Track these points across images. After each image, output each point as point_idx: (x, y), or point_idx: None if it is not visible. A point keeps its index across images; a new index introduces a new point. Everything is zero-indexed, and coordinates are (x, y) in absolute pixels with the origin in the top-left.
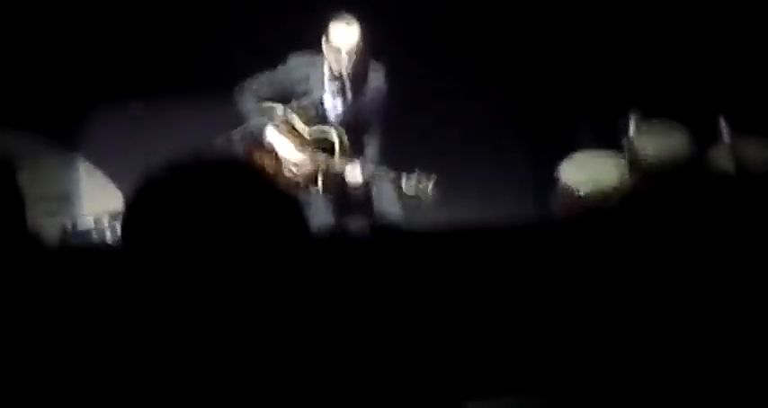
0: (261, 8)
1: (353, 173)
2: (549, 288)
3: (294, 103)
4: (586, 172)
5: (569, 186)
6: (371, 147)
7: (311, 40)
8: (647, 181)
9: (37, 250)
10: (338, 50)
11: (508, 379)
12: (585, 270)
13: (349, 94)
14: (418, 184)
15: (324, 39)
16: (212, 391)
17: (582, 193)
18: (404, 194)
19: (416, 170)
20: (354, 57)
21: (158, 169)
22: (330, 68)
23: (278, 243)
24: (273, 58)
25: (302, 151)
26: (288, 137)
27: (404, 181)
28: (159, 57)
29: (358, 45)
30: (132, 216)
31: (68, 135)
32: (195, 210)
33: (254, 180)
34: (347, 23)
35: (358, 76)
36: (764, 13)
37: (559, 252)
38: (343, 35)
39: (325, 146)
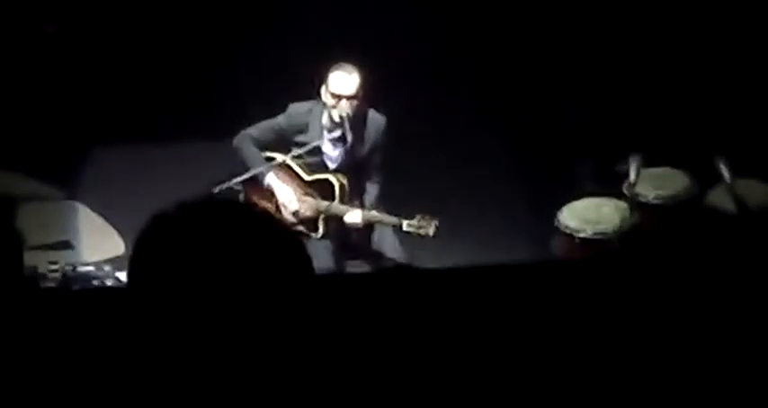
0: (262, 55)
1: (353, 216)
2: (550, 330)
3: (294, 151)
4: (586, 218)
5: (569, 231)
6: (371, 192)
7: (310, 89)
8: (648, 223)
9: (37, 296)
10: (338, 99)
11: None
12: (585, 312)
13: (349, 142)
14: (419, 227)
15: (324, 87)
16: None
17: (581, 237)
18: (405, 233)
19: (417, 215)
20: (354, 105)
21: (166, 210)
22: (330, 116)
23: (282, 287)
24: (273, 106)
25: (302, 197)
26: (288, 184)
27: (405, 224)
28: (158, 104)
29: (358, 93)
30: (137, 261)
31: (68, 181)
32: (199, 255)
33: (257, 224)
34: (347, 72)
35: (357, 124)
36: (763, 56)
37: (560, 294)
38: (344, 84)
39: (325, 192)
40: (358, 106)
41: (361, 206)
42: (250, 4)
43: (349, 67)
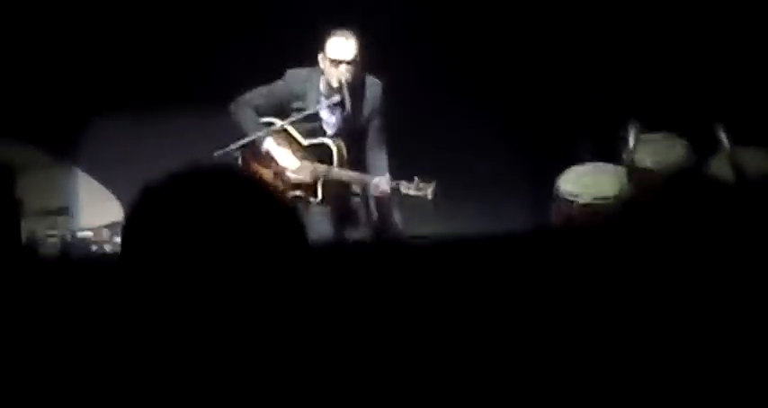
0: (258, 21)
1: (381, 184)
2: (548, 297)
3: (292, 116)
4: (585, 183)
5: (568, 196)
6: (381, 163)
7: (308, 54)
8: (647, 190)
9: (36, 262)
10: (336, 64)
11: (509, 390)
12: (584, 279)
13: (347, 108)
14: (418, 189)
15: (321, 53)
16: (211, 403)
17: (581, 203)
18: (403, 197)
19: (415, 178)
20: (352, 70)
21: (157, 181)
22: (327, 82)
23: (278, 254)
24: (271, 72)
25: (301, 161)
26: (286, 149)
27: (403, 186)
28: (156, 70)
29: (356, 59)
30: (132, 227)
31: (66, 147)
32: (195, 222)
33: (254, 191)
34: (345, 38)
35: (355, 90)
36: (762, 23)
37: (558, 260)
38: (342, 49)
39: (323, 157)
40: (356, 72)
41: (366, 171)
42: None
43: (346, 33)
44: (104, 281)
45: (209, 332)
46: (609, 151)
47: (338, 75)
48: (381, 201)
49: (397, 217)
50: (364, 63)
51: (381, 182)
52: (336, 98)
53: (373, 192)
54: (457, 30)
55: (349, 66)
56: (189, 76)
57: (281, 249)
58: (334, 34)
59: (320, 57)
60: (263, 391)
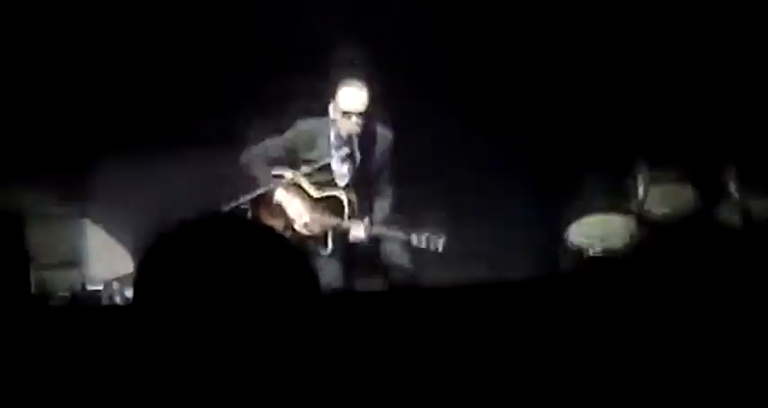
0: (269, 68)
1: (357, 230)
2: (558, 342)
3: (303, 168)
4: (595, 233)
5: (578, 246)
6: (381, 206)
7: (318, 104)
8: (656, 238)
9: (47, 312)
10: (347, 115)
11: None
12: (593, 324)
13: (358, 157)
14: (429, 242)
15: (332, 103)
16: None
17: (591, 253)
18: (414, 248)
19: (426, 230)
20: (363, 121)
21: (171, 228)
22: (338, 133)
23: (290, 302)
24: (281, 122)
25: (312, 214)
26: (297, 201)
27: (414, 238)
28: (168, 121)
29: (367, 109)
30: (145, 273)
31: (77, 199)
32: (206, 271)
33: (263, 240)
34: (357, 88)
35: (366, 140)
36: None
37: (569, 306)
38: (353, 100)
39: (334, 209)
40: (366, 122)
41: (371, 222)
42: (253, 16)
43: (358, 83)
44: (114, 332)
45: (220, 378)
46: (619, 190)
47: (349, 125)
48: (392, 251)
49: (408, 265)
50: (376, 113)
51: (356, 229)
52: (346, 150)
53: (351, 235)
54: (469, 74)
55: (360, 118)
56: (198, 125)
57: (294, 297)
58: (345, 84)
59: (331, 107)
60: None
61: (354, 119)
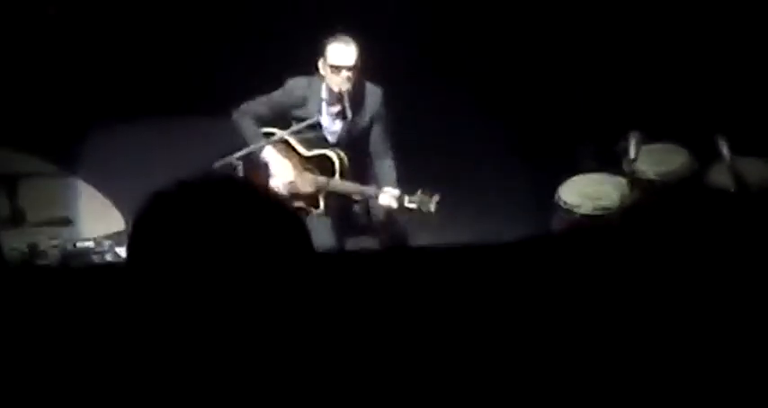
0: (258, 30)
1: (388, 201)
2: (549, 305)
3: (293, 126)
4: (586, 193)
5: (569, 206)
6: (385, 165)
7: (308, 59)
8: (647, 200)
9: (37, 271)
10: (337, 71)
11: (512, 395)
12: (584, 286)
13: (348, 115)
14: (421, 202)
15: (321, 60)
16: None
17: (582, 213)
18: (406, 210)
19: (418, 191)
20: (353, 76)
21: (165, 188)
22: (328, 90)
23: (283, 260)
24: (272, 78)
25: (302, 173)
26: (287, 160)
27: (405, 200)
28: (158, 79)
29: (356, 65)
30: (139, 233)
31: (68, 157)
32: (198, 232)
33: (257, 200)
34: (345, 43)
35: (356, 97)
36: (763, 32)
37: (560, 268)
38: (342, 55)
39: (325, 168)
40: (356, 78)
41: (378, 185)
42: None
43: (346, 38)
44: (105, 289)
45: (213, 337)
46: (611, 158)
47: (339, 81)
48: (385, 211)
49: (400, 225)
50: (364, 69)
51: (385, 199)
52: (337, 107)
53: (383, 205)
54: (458, 36)
55: (350, 73)
56: (189, 85)
57: (287, 255)
58: (334, 40)
59: (320, 63)
60: (267, 397)
61: (344, 73)
